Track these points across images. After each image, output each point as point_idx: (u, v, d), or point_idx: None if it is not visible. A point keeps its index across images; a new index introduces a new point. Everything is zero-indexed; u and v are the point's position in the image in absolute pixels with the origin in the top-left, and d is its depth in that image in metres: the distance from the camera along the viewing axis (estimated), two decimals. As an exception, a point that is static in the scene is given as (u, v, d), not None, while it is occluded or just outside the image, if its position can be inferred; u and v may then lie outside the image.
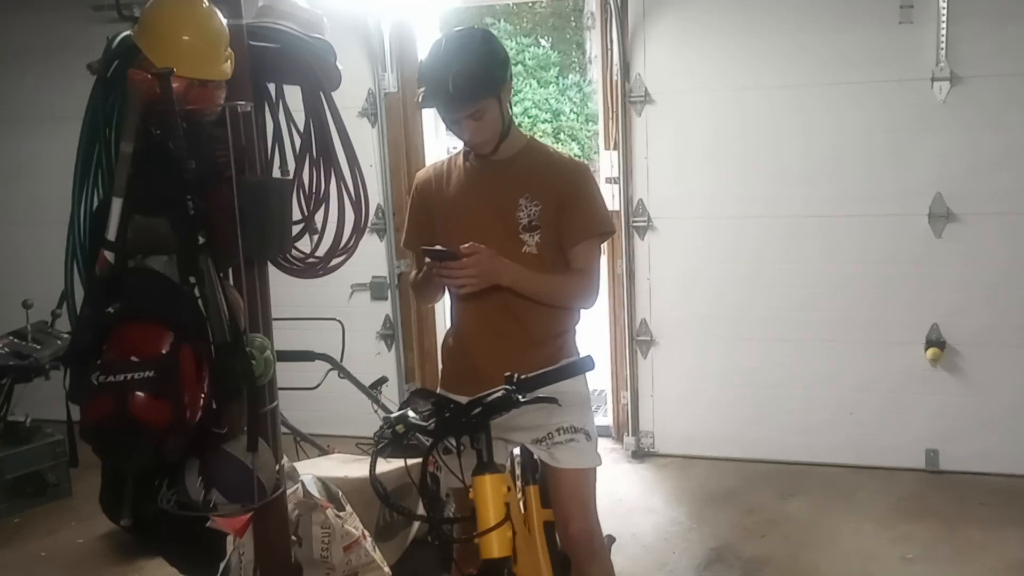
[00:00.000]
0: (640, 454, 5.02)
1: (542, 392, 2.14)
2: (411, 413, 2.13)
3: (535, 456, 2.52)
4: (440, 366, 2.82)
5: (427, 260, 2.39)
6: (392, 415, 2.12)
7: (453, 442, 2.11)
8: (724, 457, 4.91)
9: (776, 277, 4.74)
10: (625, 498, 4.43)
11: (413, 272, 2.66)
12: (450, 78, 2.30)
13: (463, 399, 2.28)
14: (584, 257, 2.53)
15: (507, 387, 2.05)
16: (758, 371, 4.83)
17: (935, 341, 4.52)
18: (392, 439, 2.10)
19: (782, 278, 4.73)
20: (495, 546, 1.97)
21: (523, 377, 2.07)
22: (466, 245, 2.33)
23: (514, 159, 2.54)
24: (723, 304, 4.84)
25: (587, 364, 2.30)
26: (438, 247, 2.32)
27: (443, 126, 5.28)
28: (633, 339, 4.97)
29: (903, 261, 4.53)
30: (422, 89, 2.38)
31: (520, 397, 2.04)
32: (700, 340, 4.91)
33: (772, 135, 4.65)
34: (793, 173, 4.64)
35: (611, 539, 2.67)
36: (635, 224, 4.85)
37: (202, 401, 2.10)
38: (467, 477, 2.07)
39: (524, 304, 2.47)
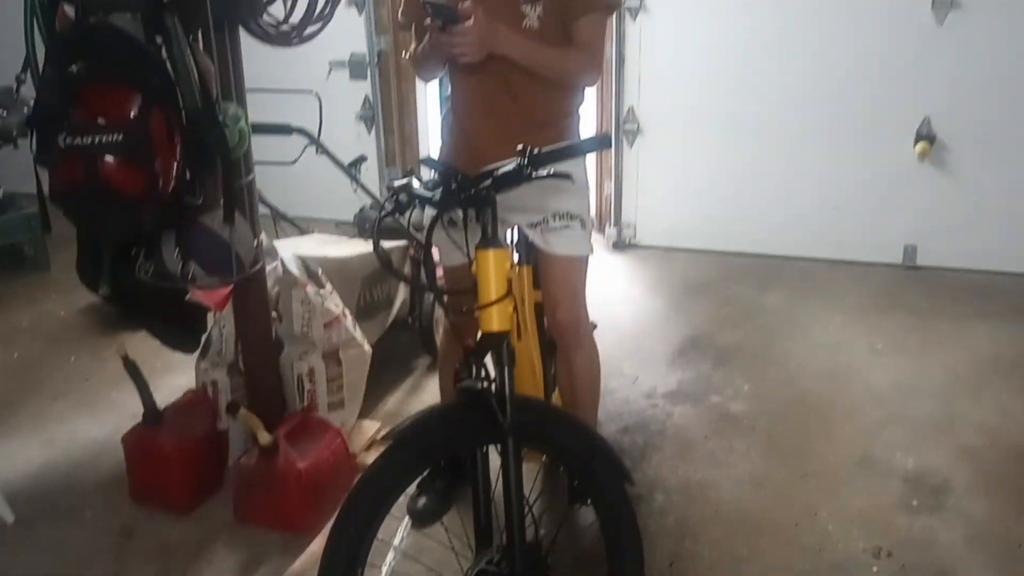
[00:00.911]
0: (621, 245, 5.03)
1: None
2: (415, 182, 2.05)
3: (530, 239, 2.47)
4: (434, 148, 2.71)
5: (427, 22, 2.22)
6: (396, 183, 2.04)
7: (458, 214, 2.04)
8: (704, 249, 4.94)
9: (768, 67, 4.59)
10: (605, 287, 4.46)
11: (412, 45, 2.49)
12: None
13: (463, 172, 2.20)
14: (589, 31, 2.37)
15: (519, 160, 1.97)
16: (743, 164, 4.77)
17: (925, 135, 4.43)
18: (394, 208, 2.03)
19: (773, 66, 4.58)
20: (495, 319, 1.96)
21: (536, 151, 1.98)
22: (466, 3, 2.17)
23: None
24: (712, 95, 4.71)
25: (604, 142, 2.19)
26: (439, 3, 2.16)
27: None
28: (620, 127, 4.85)
29: (901, 51, 4.37)
30: None
31: (532, 172, 1.97)
32: (687, 131, 4.81)
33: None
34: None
35: (592, 325, 2.68)
36: (621, 3, 4.60)
37: (175, 170, 2.03)
38: (468, 253, 2.02)
39: (524, 83, 2.34)
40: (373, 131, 5.15)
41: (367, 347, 3.02)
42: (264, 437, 2.53)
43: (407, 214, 2.12)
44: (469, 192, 1.99)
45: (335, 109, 4.40)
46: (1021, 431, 3.07)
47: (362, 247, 3.42)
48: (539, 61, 2.34)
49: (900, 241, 4.66)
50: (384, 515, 1.83)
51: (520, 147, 1.99)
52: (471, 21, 2.16)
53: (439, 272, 2.54)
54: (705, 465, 2.92)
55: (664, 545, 2.51)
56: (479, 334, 1.98)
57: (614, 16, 4.55)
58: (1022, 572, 2.37)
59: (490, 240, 2.00)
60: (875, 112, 4.50)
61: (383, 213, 2.02)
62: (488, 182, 1.99)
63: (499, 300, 1.97)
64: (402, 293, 3.57)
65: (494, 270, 1.98)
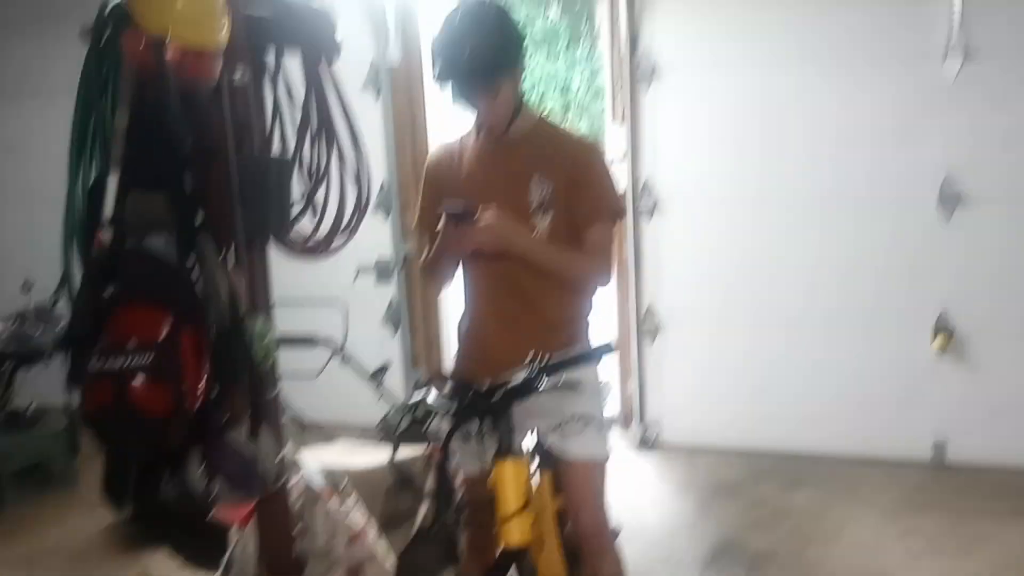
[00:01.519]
0: (647, 443, 4.95)
1: (565, 377, 2.07)
2: (431, 397, 2.06)
3: (547, 443, 2.45)
4: (451, 355, 2.76)
5: (442, 222, 2.31)
6: (412, 399, 2.06)
7: (473, 426, 2.04)
8: (730, 447, 4.84)
9: (782, 263, 4.65)
10: (631, 489, 4.36)
11: (424, 253, 2.59)
12: (466, 54, 2.24)
13: (477, 384, 2.22)
14: (597, 237, 2.47)
15: (530, 370, 1.99)
16: (764, 360, 4.76)
17: (943, 328, 4.43)
18: (412, 424, 2.04)
19: (788, 263, 4.65)
20: (515, 533, 1.91)
21: (547, 360, 2.00)
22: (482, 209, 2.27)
23: (525, 138, 2.48)
24: (730, 290, 4.76)
25: (609, 348, 2.22)
26: (457, 206, 2.25)
27: (449, 101, 5.22)
28: (640, 326, 4.89)
29: (911, 246, 4.45)
30: (437, 65, 2.30)
31: (543, 380, 1.98)
32: (707, 327, 4.83)
33: (778, 115, 4.55)
34: (799, 155, 4.55)
35: (616, 531, 2.61)
36: (642, 206, 4.76)
37: (202, 387, 2.03)
38: (486, 463, 2.00)
39: (536, 287, 2.41)
40: (398, 333, 5.21)
41: (390, 562, 2.93)
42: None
43: (426, 424, 2.13)
44: (484, 404, 2.00)
45: (361, 312, 4.48)
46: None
47: (386, 456, 3.38)
48: (552, 261, 2.42)
49: (929, 436, 4.57)
50: None
51: (530, 357, 2.01)
52: (489, 213, 2.25)
53: (459, 481, 2.51)
54: None
55: None
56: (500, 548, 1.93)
57: (629, 218, 4.71)
58: None
59: (507, 450, 1.98)
60: (892, 307, 4.52)
61: (399, 432, 2.03)
62: (501, 393, 2.00)
63: (518, 512, 1.93)
64: (426, 502, 3.50)
65: (513, 481, 1.95)
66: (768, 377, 4.76)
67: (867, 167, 4.44)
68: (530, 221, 2.41)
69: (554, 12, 14.65)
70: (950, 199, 4.33)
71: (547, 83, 13.98)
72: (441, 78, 2.33)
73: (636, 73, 4.66)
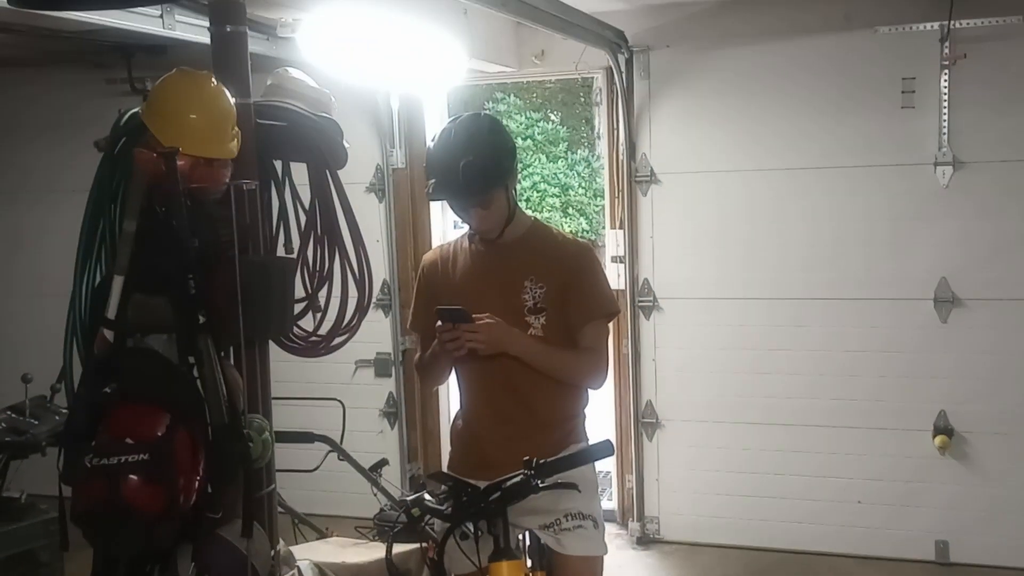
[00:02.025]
0: (645, 540, 4.89)
1: (560, 477, 2.09)
2: (427, 496, 2.08)
3: (542, 541, 2.45)
4: (448, 448, 2.77)
5: (438, 325, 2.36)
6: (408, 498, 2.08)
7: (469, 527, 2.05)
8: (730, 545, 4.78)
9: (781, 361, 4.68)
10: (629, 586, 4.31)
11: (418, 354, 2.63)
12: (460, 171, 2.31)
13: (473, 484, 2.23)
14: (592, 337, 2.52)
15: (526, 471, 2.01)
16: (764, 457, 4.74)
17: (943, 428, 4.43)
18: (407, 523, 2.05)
19: (787, 362, 4.67)
20: None
21: (542, 462, 2.03)
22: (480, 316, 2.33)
23: (519, 241, 2.54)
24: (728, 388, 4.77)
25: (606, 449, 2.24)
26: (450, 308, 2.31)
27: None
28: (639, 421, 4.88)
29: (909, 347, 4.48)
30: (432, 181, 2.39)
31: (539, 482, 2.00)
32: (706, 424, 4.83)
33: (775, 219, 4.64)
34: (797, 257, 4.62)
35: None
36: (641, 304, 4.82)
37: (197, 485, 2.05)
38: (480, 562, 2.00)
39: (531, 386, 2.44)
40: (396, 427, 5.22)
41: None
42: None
43: (423, 522, 2.14)
44: (479, 506, 2.01)
45: (359, 405, 4.51)
46: None
47: (380, 551, 3.36)
48: (548, 363, 2.46)
49: (931, 536, 4.51)
50: None
51: (526, 459, 2.03)
52: (485, 318, 2.30)
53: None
54: None
55: None
56: None
57: (628, 315, 4.76)
58: None
59: (503, 552, 1.99)
60: (892, 407, 4.52)
61: (395, 529, 2.04)
62: (497, 495, 2.01)
63: None
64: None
65: None
66: (768, 475, 4.74)
67: (864, 269, 4.51)
68: (523, 321, 2.45)
69: (556, 116, 15.08)
70: (945, 301, 4.38)
71: (548, 183, 14.28)
72: (436, 194, 2.41)
73: (634, 178, 4.78)
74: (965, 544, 4.46)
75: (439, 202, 5.04)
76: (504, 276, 2.51)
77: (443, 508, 2.08)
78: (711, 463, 4.82)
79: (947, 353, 4.41)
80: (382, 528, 3.74)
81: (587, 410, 2.64)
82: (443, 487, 2.12)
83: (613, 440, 4.76)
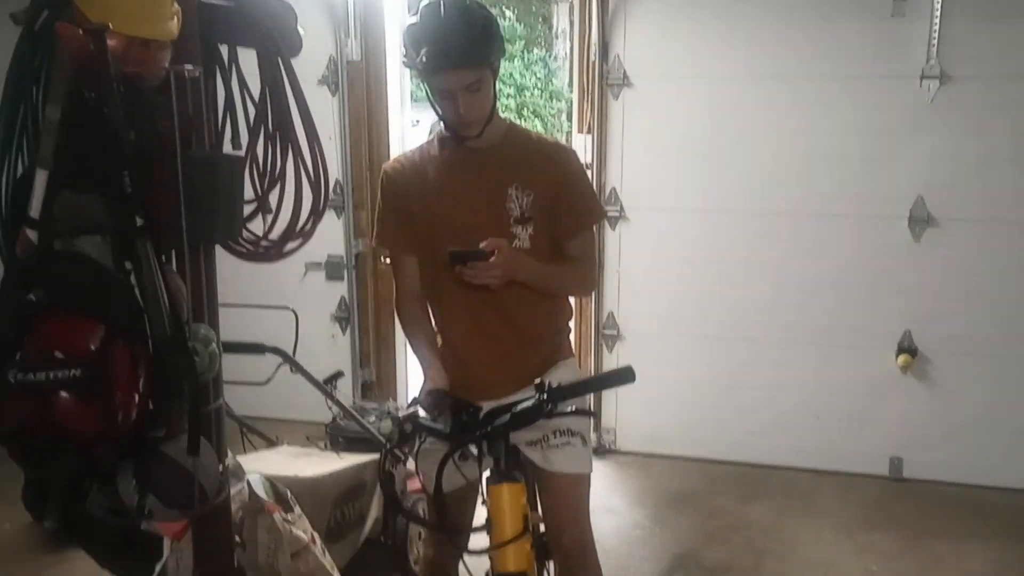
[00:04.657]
0: (602, 451, 4.85)
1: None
2: (421, 413, 1.96)
3: (526, 457, 2.34)
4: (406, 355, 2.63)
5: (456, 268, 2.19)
6: (403, 414, 1.96)
7: (471, 448, 1.95)
8: (686, 456, 4.78)
9: (747, 275, 4.59)
10: (585, 497, 4.27)
11: (397, 290, 2.46)
12: (457, 38, 2.12)
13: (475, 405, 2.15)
14: (583, 245, 2.42)
15: (540, 397, 1.90)
16: (724, 370, 4.70)
17: (907, 348, 4.41)
18: (401, 439, 1.93)
19: (753, 276, 4.59)
20: (511, 560, 1.82)
21: (556, 386, 1.92)
22: (485, 243, 2.17)
23: (499, 146, 2.35)
24: (692, 301, 4.69)
25: (627, 376, 2.07)
26: (463, 249, 2.17)
27: (408, 99, 5.05)
28: (600, 333, 4.80)
29: (879, 265, 4.41)
30: (424, 50, 2.15)
31: (553, 407, 1.89)
32: (667, 337, 4.76)
33: (750, 128, 4.47)
34: (767, 169, 4.48)
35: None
36: (607, 214, 4.64)
37: (137, 403, 1.88)
38: (477, 481, 1.90)
39: (517, 304, 2.32)
40: (348, 332, 5.07)
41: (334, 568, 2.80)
42: None
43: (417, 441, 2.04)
44: (486, 428, 1.91)
45: (310, 309, 4.33)
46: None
47: (334, 463, 3.26)
48: (549, 282, 2.35)
49: (885, 452, 4.55)
50: None
51: (538, 381, 1.96)
52: (496, 255, 2.16)
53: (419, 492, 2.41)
54: None
55: None
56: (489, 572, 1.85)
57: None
58: None
59: (504, 474, 1.91)
60: (856, 324, 4.48)
61: (389, 447, 1.94)
62: (506, 418, 1.91)
63: (516, 538, 1.84)
64: (374, 511, 3.38)
65: (509, 506, 1.87)
66: (727, 387, 4.70)
67: (837, 184, 4.39)
68: (508, 232, 2.29)
69: (512, 13, 14.55)
70: (920, 220, 4.29)
71: (503, 82, 13.83)
72: (430, 63, 2.17)
73: (606, 81, 4.54)
74: (919, 461, 4.51)
75: (399, 100, 4.93)
76: (486, 184, 2.33)
77: (442, 427, 1.96)
78: (670, 376, 4.76)
79: (917, 273, 4.35)
80: (335, 438, 3.65)
81: (571, 322, 2.55)
82: (444, 406, 1.99)
83: (576, 353, 4.79)
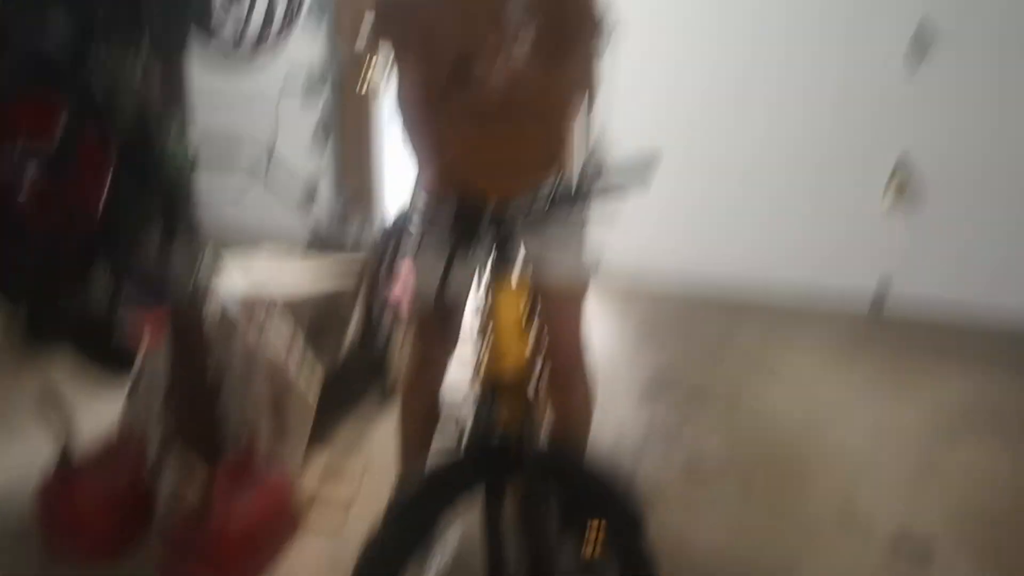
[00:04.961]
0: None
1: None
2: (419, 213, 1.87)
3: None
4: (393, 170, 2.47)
5: None
6: (401, 213, 1.86)
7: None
8: (671, 286, 4.76)
9: (742, 96, 4.45)
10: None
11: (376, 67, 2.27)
12: None
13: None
14: (588, 52, 2.23)
15: (580, 179, 1.83)
16: (709, 192, 4.62)
17: (901, 169, 4.31)
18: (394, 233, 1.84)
19: (748, 97, 4.44)
20: (511, 357, 1.77)
21: (592, 168, 1.82)
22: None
23: None
24: (676, 118, 4.54)
25: (651, 166, 1.97)
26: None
27: None
28: (590, 149, 4.65)
29: (879, 85, 4.24)
30: None
31: (589, 188, 1.81)
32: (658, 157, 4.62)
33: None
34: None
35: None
36: (607, 27, 4.40)
37: (104, 195, 1.78)
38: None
39: (522, 113, 2.14)
40: (328, 148, 4.91)
41: (311, 395, 2.78)
42: (196, 499, 2.28)
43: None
44: (501, 225, 1.81)
45: (288, 123, 4.16)
46: (996, 488, 2.92)
47: (314, 275, 3.18)
48: (553, 85, 2.19)
49: (872, 279, 4.54)
50: None
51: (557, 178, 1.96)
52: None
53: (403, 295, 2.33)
54: (677, 516, 2.72)
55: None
56: (483, 374, 1.79)
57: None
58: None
59: (505, 269, 1.82)
60: (850, 144, 4.37)
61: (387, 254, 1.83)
62: (531, 215, 1.82)
63: (517, 342, 1.78)
64: (355, 318, 3.33)
65: (509, 304, 1.80)
66: (712, 212, 4.65)
67: (833, 6, 4.21)
68: (508, 35, 2.11)
69: None
70: (923, 43, 4.10)
71: None
72: None
73: None
74: (906, 288, 4.49)
75: None
76: None
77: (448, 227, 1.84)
78: (652, 199, 4.63)
79: (918, 94, 4.19)
80: (315, 242, 3.56)
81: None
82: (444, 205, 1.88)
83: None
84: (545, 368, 2.33)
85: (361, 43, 2.29)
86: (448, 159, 2.22)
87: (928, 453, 3.12)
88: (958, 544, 2.58)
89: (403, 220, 1.97)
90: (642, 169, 1.89)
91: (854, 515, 2.73)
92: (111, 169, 1.79)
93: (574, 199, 1.85)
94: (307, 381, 2.80)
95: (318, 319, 3.12)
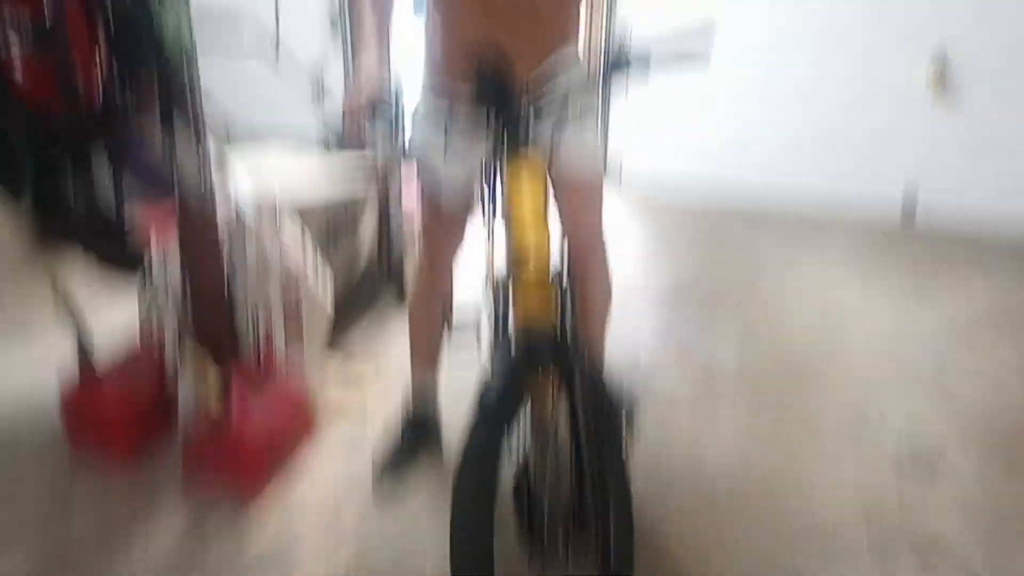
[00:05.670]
0: (610, 174, 4.72)
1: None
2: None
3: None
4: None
5: None
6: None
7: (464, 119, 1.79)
8: (693, 190, 4.66)
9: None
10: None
11: None
12: None
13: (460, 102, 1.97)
14: None
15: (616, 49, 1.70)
16: (735, 94, 4.46)
17: (938, 60, 4.14)
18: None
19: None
20: (531, 236, 1.69)
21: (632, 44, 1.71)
22: None
23: None
24: (700, 15, 4.33)
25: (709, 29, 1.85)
26: None
27: None
28: (609, 51, 4.47)
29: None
30: None
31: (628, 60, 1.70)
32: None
33: None
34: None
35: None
36: None
37: (100, 72, 1.68)
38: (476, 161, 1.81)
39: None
40: (339, 30, 4.73)
41: (327, 301, 2.73)
42: (214, 404, 2.26)
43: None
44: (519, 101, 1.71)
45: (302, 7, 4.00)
46: (1014, 389, 2.87)
47: (328, 169, 3.08)
48: None
49: (900, 177, 4.41)
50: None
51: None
52: None
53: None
54: (691, 420, 2.67)
55: (650, 508, 2.29)
56: (513, 263, 1.71)
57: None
58: (1006, 540, 2.20)
59: (525, 145, 1.74)
60: (886, 33, 4.21)
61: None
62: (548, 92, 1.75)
63: (538, 230, 1.70)
64: (370, 220, 3.26)
65: (530, 194, 1.70)
66: (738, 115, 4.50)
67: None
68: None
69: None
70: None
71: None
72: None
73: None
74: (934, 189, 4.39)
75: None
76: None
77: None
78: (677, 101, 4.52)
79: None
80: (329, 141, 3.44)
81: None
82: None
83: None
84: (566, 251, 2.27)
85: None
86: (468, 28, 2.11)
87: (943, 359, 3.05)
88: (966, 448, 2.55)
89: (415, 114, 1.87)
90: (701, 40, 1.76)
91: (865, 419, 2.69)
92: (105, 44, 1.69)
93: (595, 78, 1.75)
94: (322, 285, 2.75)
95: (331, 222, 3.03)
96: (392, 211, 3.29)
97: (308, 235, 2.82)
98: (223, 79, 2.92)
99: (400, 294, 3.33)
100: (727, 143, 4.57)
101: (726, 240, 4.20)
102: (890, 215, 4.42)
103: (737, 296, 3.58)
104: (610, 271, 2.32)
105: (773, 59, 4.38)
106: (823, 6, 4.23)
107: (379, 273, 3.34)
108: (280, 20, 3.21)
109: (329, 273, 2.84)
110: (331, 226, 3.04)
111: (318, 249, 2.89)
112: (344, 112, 1.86)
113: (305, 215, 2.83)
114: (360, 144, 3.04)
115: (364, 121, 1.78)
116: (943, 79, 4.15)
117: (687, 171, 4.65)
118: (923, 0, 4.10)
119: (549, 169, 2.13)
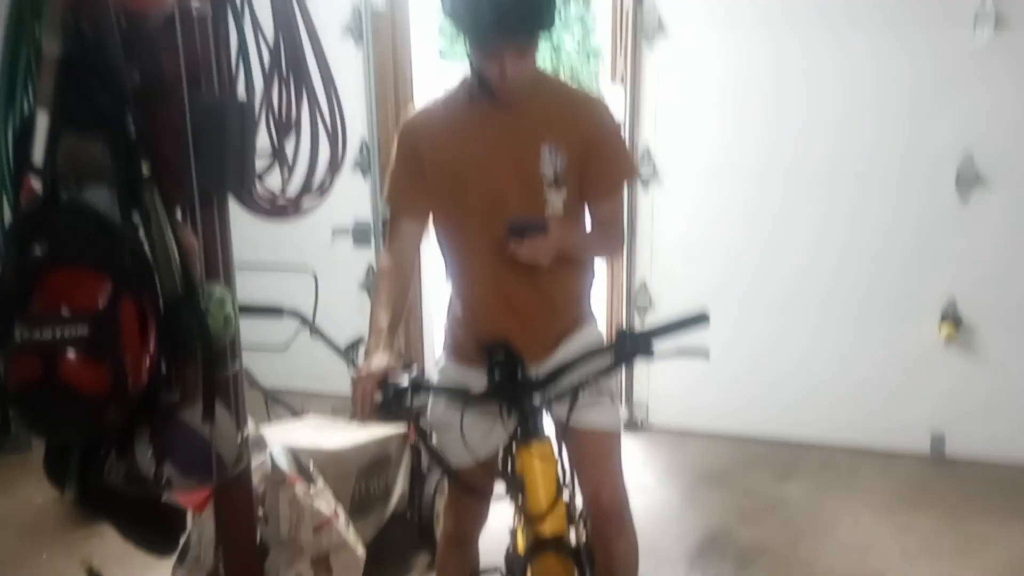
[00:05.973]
0: (633, 426, 4.73)
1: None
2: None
3: (553, 415, 2.23)
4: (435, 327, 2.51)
5: (510, 243, 2.08)
6: (407, 377, 1.89)
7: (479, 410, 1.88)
8: (720, 432, 4.64)
9: (783, 240, 4.42)
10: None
11: (388, 243, 2.32)
12: (519, 3, 1.95)
13: (476, 373, 2.11)
14: (612, 208, 2.30)
15: (621, 340, 1.89)
16: (760, 343, 4.54)
17: (951, 316, 4.22)
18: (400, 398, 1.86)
19: (791, 243, 4.41)
20: (548, 524, 1.76)
21: (639, 332, 1.85)
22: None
23: (530, 100, 2.15)
24: (726, 270, 4.52)
25: (702, 319, 2.03)
26: (522, 220, 2.07)
27: (436, 52, 4.86)
28: (631, 303, 4.65)
29: (923, 228, 4.20)
30: (478, 14, 1.97)
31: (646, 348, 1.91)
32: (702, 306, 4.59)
33: (785, 81, 4.24)
34: (803, 125, 4.26)
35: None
36: (640, 173, 4.40)
37: (147, 364, 1.78)
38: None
39: (543, 271, 2.16)
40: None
41: (360, 550, 2.71)
42: None
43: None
44: (541, 386, 1.89)
45: (336, 277, 4.22)
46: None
47: (358, 435, 3.16)
48: (587, 251, 2.30)
49: (927, 428, 4.39)
50: None
51: (619, 330, 1.96)
52: (550, 232, 2.08)
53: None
54: None
55: None
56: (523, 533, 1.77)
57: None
58: None
59: (533, 433, 1.85)
60: (899, 291, 4.30)
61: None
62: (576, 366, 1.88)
63: (551, 500, 1.83)
64: (400, 485, 3.29)
65: (542, 467, 1.84)
66: (761, 360, 4.54)
67: (879, 140, 4.18)
68: (541, 199, 2.15)
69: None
70: (969, 179, 4.06)
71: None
72: (482, 29, 2.00)
73: (640, 29, 4.32)
74: (961, 437, 4.34)
75: (429, 53, 4.74)
76: (517, 142, 2.15)
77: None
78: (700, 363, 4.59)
79: (964, 237, 4.14)
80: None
81: (593, 286, 2.44)
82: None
83: (602, 321, 4.63)
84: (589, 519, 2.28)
85: (385, 198, 2.36)
86: (485, 322, 2.23)
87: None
88: None
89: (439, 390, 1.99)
90: (698, 318, 1.89)
91: None
92: (153, 336, 1.80)
93: (607, 367, 1.86)
94: (355, 538, 2.74)
95: (364, 479, 3.09)
96: (425, 472, 3.33)
97: (340, 487, 2.87)
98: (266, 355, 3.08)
99: (432, 548, 3.29)
100: (754, 392, 4.60)
101: (756, 492, 4.12)
102: (919, 460, 4.38)
103: (773, 552, 3.50)
104: (635, 537, 2.32)
105: (802, 323, 4.48)
106: (831, 269, 4.38)
107: (411, 528, 3.36)
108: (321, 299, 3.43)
109: (361, 526, 2.85)
110: (363, 481, 3.08)
111: (350, 500, 2.95)
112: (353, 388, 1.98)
113: (339, 468, 2.90)
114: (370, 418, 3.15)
115: (371, 399, 1.89)
116: (956, 333, 4.22)
117: (715, 417, 4.67)
118: (930, 260, 4.24)
119: (565, 439, 2.21)
